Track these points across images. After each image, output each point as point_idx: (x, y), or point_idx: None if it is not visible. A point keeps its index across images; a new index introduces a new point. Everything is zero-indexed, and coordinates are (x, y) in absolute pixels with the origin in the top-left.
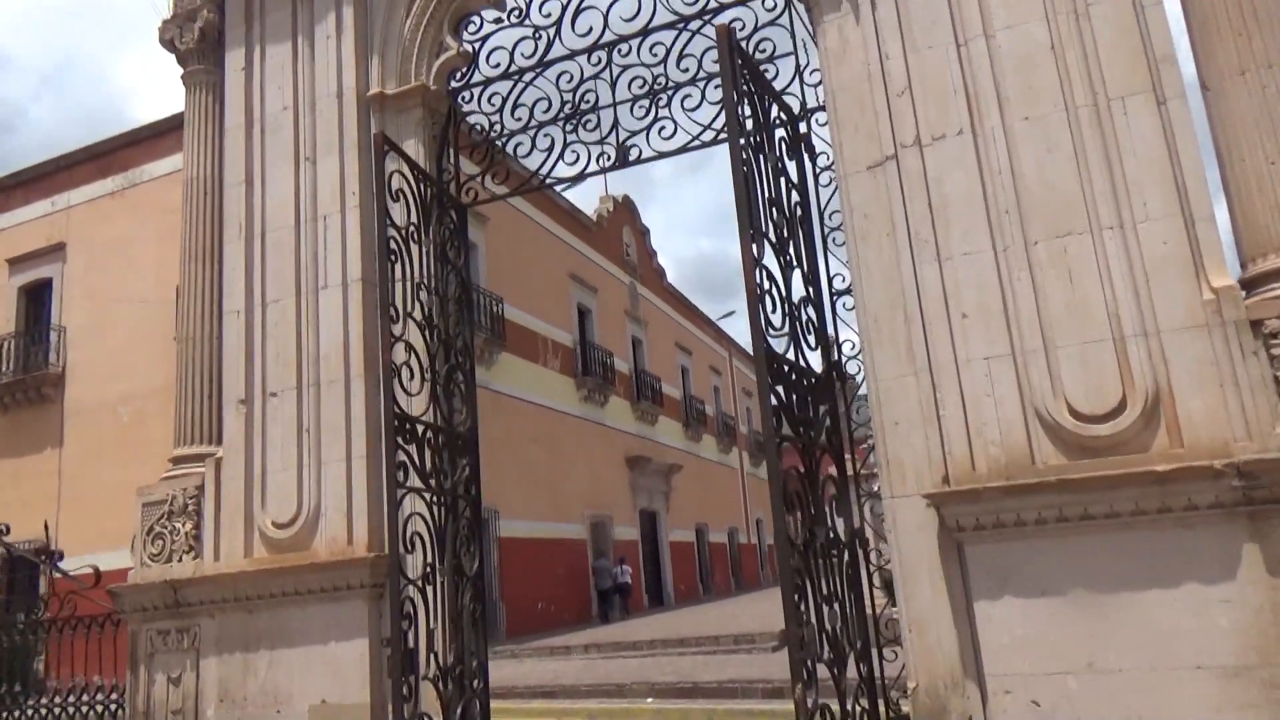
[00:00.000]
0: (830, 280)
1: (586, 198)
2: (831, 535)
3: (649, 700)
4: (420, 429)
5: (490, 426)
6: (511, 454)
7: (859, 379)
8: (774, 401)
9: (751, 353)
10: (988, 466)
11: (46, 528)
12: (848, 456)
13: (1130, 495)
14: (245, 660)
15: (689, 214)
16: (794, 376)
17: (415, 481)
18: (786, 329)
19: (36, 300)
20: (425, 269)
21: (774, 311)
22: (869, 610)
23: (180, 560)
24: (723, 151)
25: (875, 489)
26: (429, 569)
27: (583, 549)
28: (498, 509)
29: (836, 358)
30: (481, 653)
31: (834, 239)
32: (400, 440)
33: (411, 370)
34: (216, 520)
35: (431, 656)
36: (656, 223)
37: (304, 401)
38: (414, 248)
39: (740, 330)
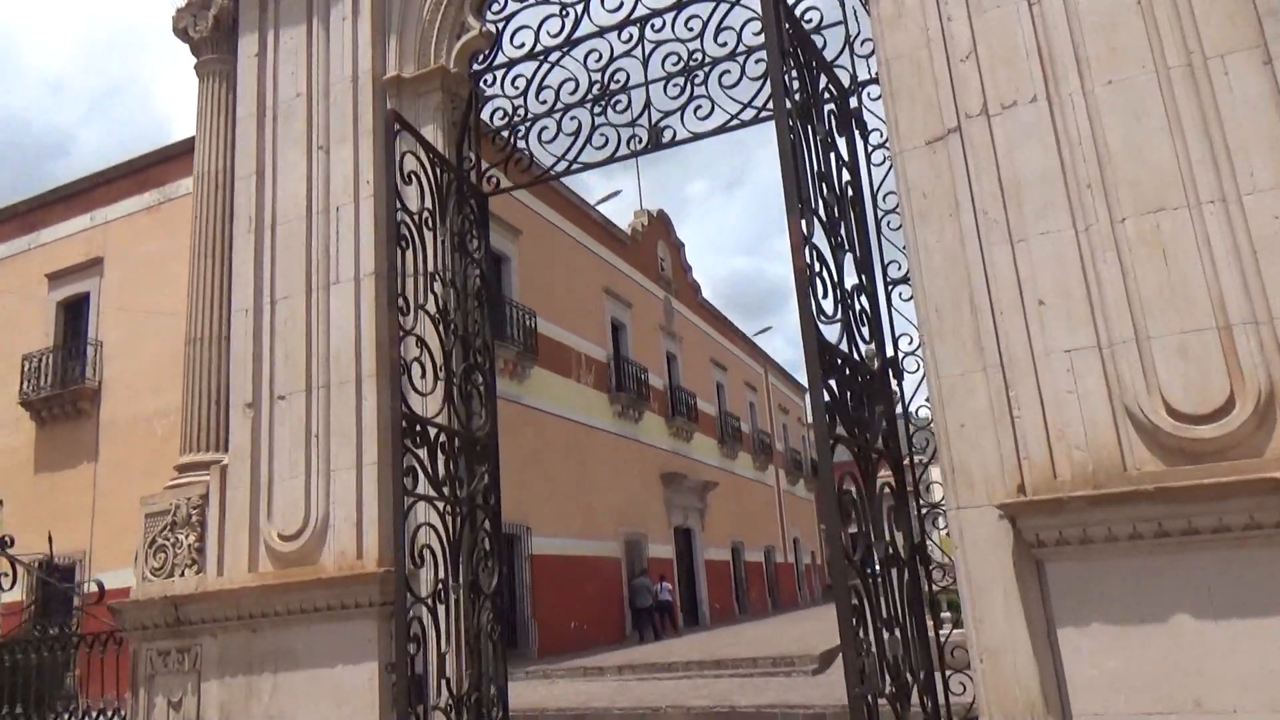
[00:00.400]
0: (885, 268)
1: (621, 212)
2: (890, 551)
3: None
4: (433, 432)
5: (522, 441)
6: (544, 470)
7: (918, 376)
8: (827, 397)
9: (786, 368)
10: (1071, 473)
11: (50, 540)
12: (905, 462)
13: (1243, 506)
14: (249, 684)
15: (724, 233)
16: (848, 371)
17: (426, 489)
18: (839, 317)
19: (74, 315)
20: (441, 259)
21: (825, 297)
22: (931, 635)
23: (182, 575)
24: (759, 165)
25: (938, 500)
26: (441, 585)
27: (616, 567)
28: (529, 525)
29: (893, 353)
30: (501, 678)
31: (888, 223)
32: (409, 443)
33: (424, 367)
34: (221, 532)
35: (444, 683)
36: (691, 241)
37: (313, 404)
38: (428, 235)
39: (776, 348)
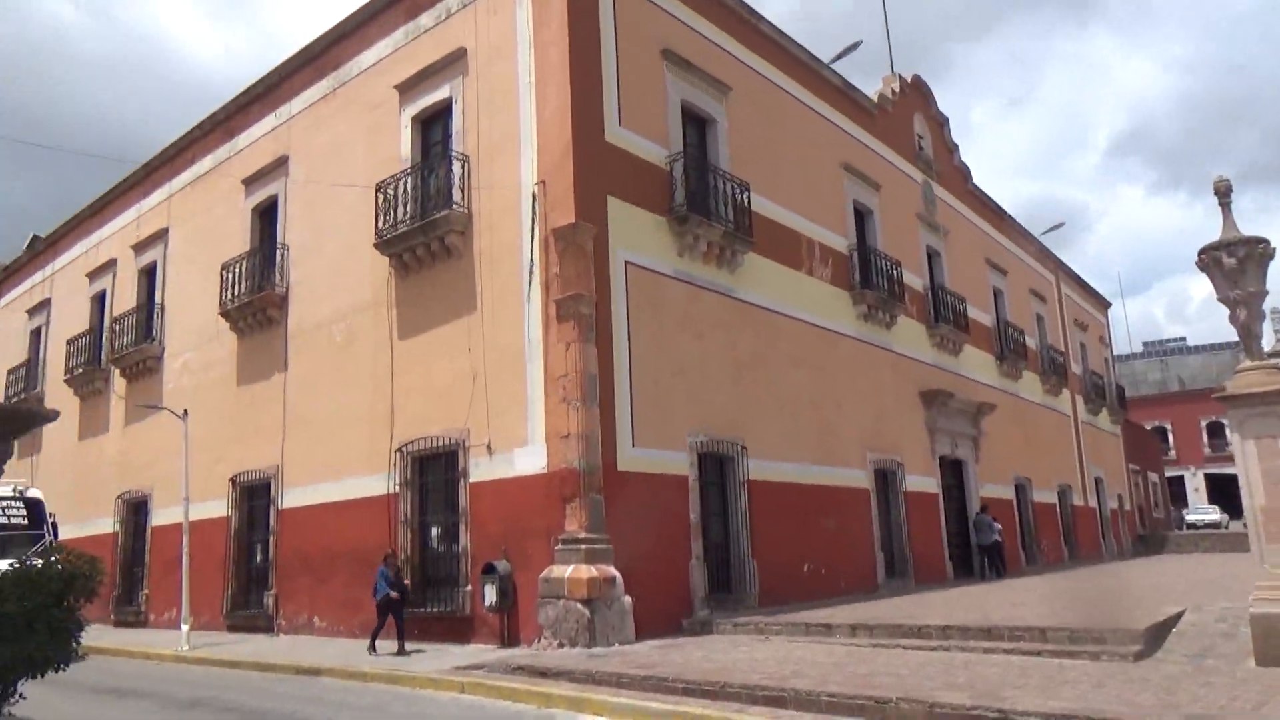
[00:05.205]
0: None
1: (863, 75)
2: None
3: None
4: None
5: (737, 343)
6: (765, 380)
7: None
8: None
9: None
10: None
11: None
12: None
13: None
14: None
15: (1007, 155)
16: None
17: None
18: None
19: (268, 219)
20: None
21: None
22: None
23: None
24: (1048, 80)
25: None
26: None
27: (865, 501)
28: (744, 444)
29: None
30: None
31: None
32: None
33: None
34: None
35: None
36: (974, 166)
37: None
38: None
39: (1069, 254)
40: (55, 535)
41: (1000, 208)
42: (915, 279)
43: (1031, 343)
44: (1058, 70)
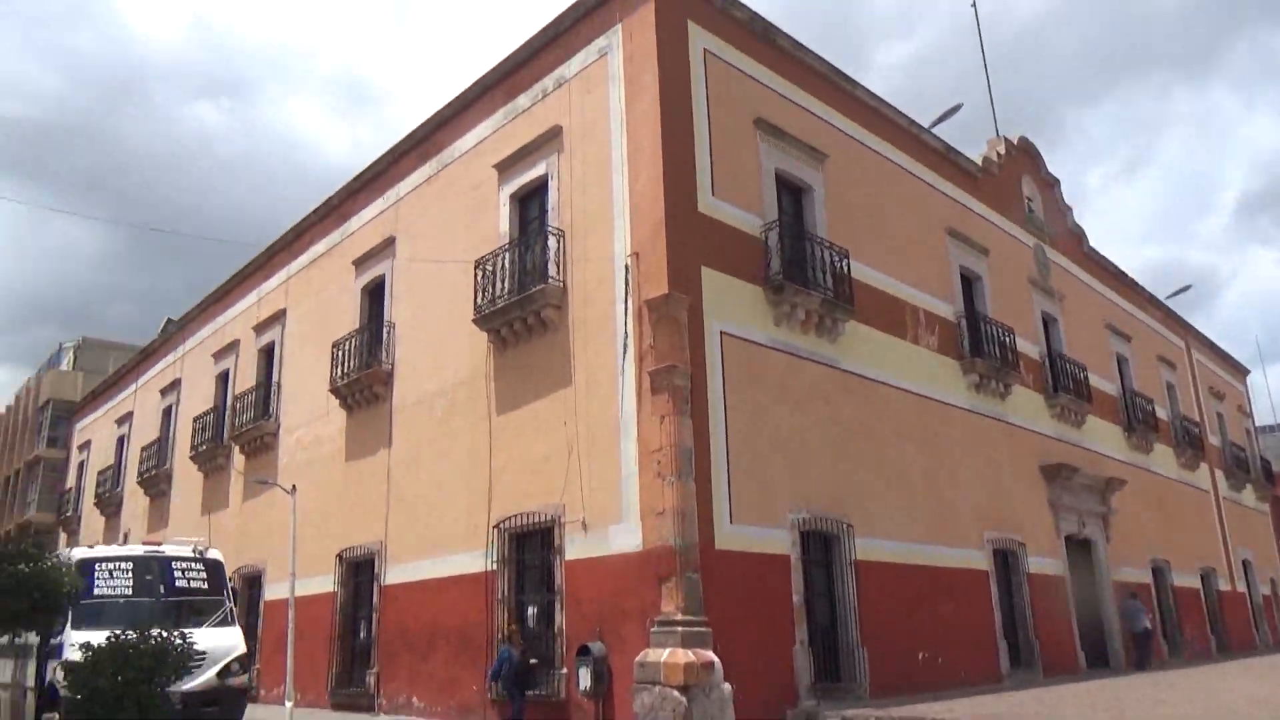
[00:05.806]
0: None
1: (966, 138)
2: None
3: None
4: None
5: (840, 416)
6: (872, 453)
7: None
8: None
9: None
10: None
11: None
12: None
13: None
14: None
15: (1129, 219)
16: None
17: None
18: None
19: (376, 299)
20: None
21: None
22: None
23: None
24: (1167, 141)
25: None
26: None
27: (983, 583)
28: (850, 523)
29: None
30: None
31: None
32: None
33: None
34: None
35: None
36: (1093, 233)
37: None
38: None
39: (1199, 319)
40: (234, 601)
41: (1121, 271)
42: (1030, 346)
43: (1162, 413)
44: (1177, 131)
